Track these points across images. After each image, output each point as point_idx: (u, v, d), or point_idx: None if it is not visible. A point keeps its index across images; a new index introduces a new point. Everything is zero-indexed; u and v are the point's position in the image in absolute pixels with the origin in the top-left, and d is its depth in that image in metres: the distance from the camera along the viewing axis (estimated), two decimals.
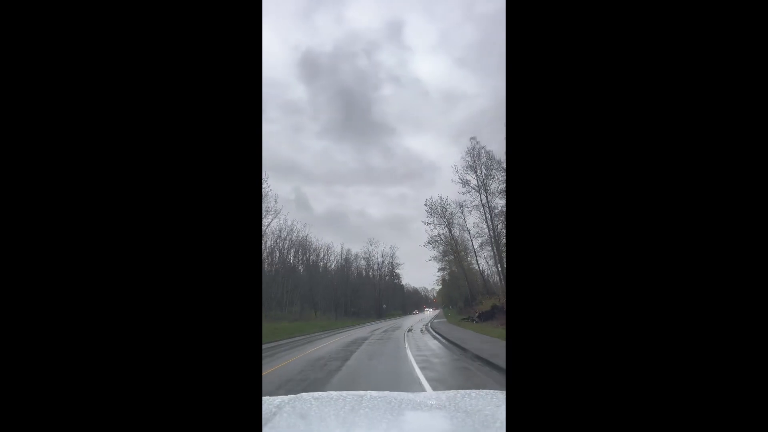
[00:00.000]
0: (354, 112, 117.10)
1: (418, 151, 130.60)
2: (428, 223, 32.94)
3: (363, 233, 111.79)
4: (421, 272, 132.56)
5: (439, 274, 48.75)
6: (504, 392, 1.16)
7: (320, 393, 1.41)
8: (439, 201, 32.21)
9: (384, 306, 58.67)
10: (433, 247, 34.61)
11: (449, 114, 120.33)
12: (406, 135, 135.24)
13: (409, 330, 19.34)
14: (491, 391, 1.37)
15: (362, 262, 59.91)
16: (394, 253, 72.12)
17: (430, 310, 79.39)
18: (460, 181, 29.38)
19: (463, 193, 29.50)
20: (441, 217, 32.33)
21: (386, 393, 1.40)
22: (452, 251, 32.86)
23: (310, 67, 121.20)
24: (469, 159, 29.42)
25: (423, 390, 4.91)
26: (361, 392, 1.38)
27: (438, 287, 71.44)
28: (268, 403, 1.24)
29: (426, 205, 32.70)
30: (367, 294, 54.43)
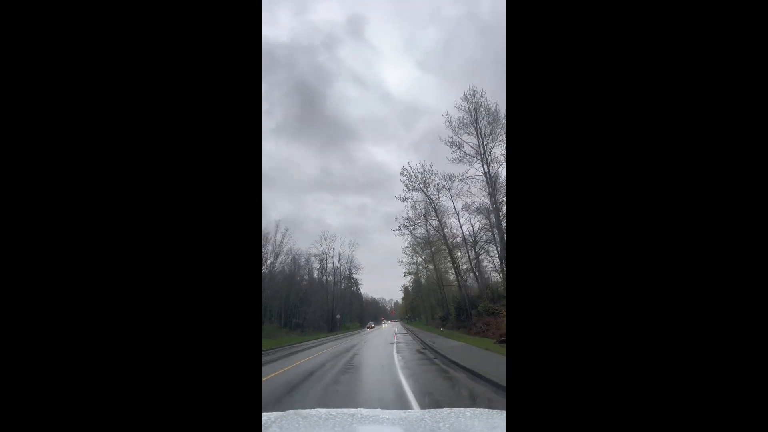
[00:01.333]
0: (312, 110, 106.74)
1: (380, 160, 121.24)
2: (404, 199, 23.87)
3: (319, 242, 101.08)
4: (382, 283, 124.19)
5: (407, 279, 39.85)
6: (501, 411, 1.19)
7: (309, 411, 1.35)
8: (420, 170, 23.25)
9: (338, 317, 48.78)
10: (410, 232, 25.52)
11: (412, 124, 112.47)
12: (367, 141, 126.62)
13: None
14: (487, 410, 1.31)
15: (314, 263, 49.83)
16: (352, 254, 62.43)
17: (388, 323, 70.73)
18: (450, 142, 20.25)
19: (455, 161, 20.39)
20: (422, 192, 23.42)
21: (378, 411, 1.35)
22: (438, 237, 23.82)
23: (265, 58, 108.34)
24: (464, 109, 20.44)
25: None
26: (352, 410, 1.34)
27: (401, 296, 63.29)
28: None
29: (402, 175, 23.47)
30: (317, 300, 44.27)
